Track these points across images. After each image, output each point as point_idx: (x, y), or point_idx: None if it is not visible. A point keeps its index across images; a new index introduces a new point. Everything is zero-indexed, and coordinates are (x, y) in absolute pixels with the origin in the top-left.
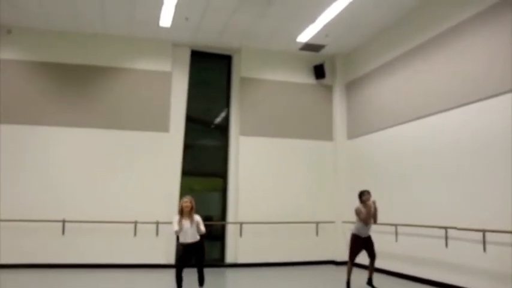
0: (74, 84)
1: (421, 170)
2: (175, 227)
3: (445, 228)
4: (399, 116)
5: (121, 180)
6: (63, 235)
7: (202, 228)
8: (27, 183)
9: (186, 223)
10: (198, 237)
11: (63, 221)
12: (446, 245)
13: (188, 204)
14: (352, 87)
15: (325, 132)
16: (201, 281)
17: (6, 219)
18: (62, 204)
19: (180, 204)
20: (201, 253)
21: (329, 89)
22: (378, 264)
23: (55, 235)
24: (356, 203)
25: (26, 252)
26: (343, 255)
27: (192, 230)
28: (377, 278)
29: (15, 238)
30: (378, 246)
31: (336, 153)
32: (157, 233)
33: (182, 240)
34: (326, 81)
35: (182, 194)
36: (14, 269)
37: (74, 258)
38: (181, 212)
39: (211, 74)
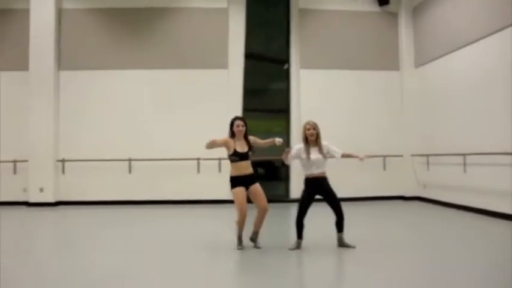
0: (131, 28)
1: (488, 93)
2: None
3: None
4: (468, 35)
5: (182, 118)
6: (130, 173)
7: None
8: (94, 126)
9: (314, 152)
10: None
11: (129, 160)
12: None
13: (312, 131)
14: (419, 11)
15: (391, 62)
16: (339, 224)
17: (76, 159)
18: (128, 144)
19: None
20: (330, 190)
21: (394, 16)
22: (446, 197)
23: (122, 173)
24: (426, 133)
25: (95, 190)
26: (413, 189)
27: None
28: (445, 211)
29: (85, 177)
30: (445, 178)
31: (402, 82)
32: (220, 169)
33: (307, 171)
34: (390, 7)
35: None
36: (84, 205)
37: (141, 195)
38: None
39: (269, 8)
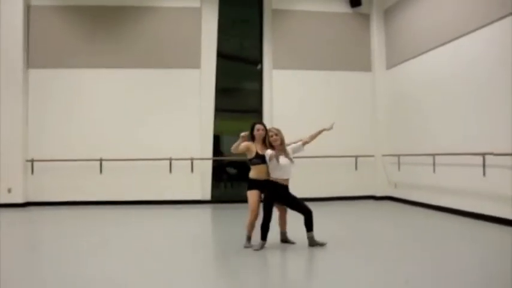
0: (103, 26)
1: (458, 95)
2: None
3: (483, 154)
4: (438, 37)
5: (155, 117)
6: (101, 173)
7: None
8: (64, 125)
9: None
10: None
11: (101, 160)
12: (484, 173)
13: (275, 137)
14: (390, 13)
15: (362, 63)
16: (308, 223)
17: (46, 159)
18: (99, 144)
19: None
20: (292, 197)
21: (366, 17)
22: (416, 196)
23: (93, 174)
24: (397, 133)
25: (65, 191)
26: (383, 189)
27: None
28: (415, 210)
29: (55, 177)
30: (415, 178)
31: (374, 83)
32: (192, 170)
33: (275, 176)
34: (362, 9)
35: (216, 130)
36: (53, 206)
37: (112, 196)
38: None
39: (242, 8)
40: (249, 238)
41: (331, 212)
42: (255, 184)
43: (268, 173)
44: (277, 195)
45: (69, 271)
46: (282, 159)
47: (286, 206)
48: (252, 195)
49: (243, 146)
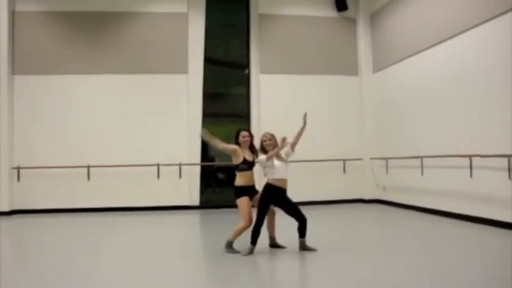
0: (89, 32)
1: (445, 97)
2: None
3: (469, 156)
4: (424, 41)
5: (142, 123)
6: (89, 180)
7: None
8: (51, 132)
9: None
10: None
11: (88, 167)
12: (471, 175)
13: (269, 142)
14: (376, 17)
15: (349, 67)
16: (302, 230)
17: (32, 166)
18: (86, 151)
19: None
20: (290, 202)
21: (352, 21)
22: (405, 199)
23: (80, 180)
24: (384, 136)
25: (52, 198)
26: (372, 192)
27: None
28: (404, 213)
29: (42, 184)
30: (403, 181)
31: (361, 87)
32: (180, 175)
33: (272, 176)
34: (349, 13)
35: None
36: (40, 214)
37: (100, 203)
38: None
39: (229, 13)
40: (231, 244)
41: (320, 215)
42: (244, 191)
43: (253, 178)
44: (274, 199)
45: (54, 279)
46: (276, 161)
47: (283, 210)
48: (244, 202)
49: (230, 148)
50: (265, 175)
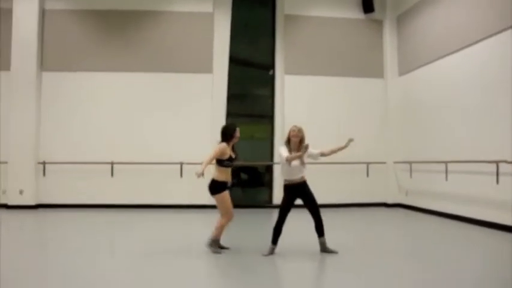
0: (116, 30)
1: (472, 102)
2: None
3: (496, 162)
4: (452, 44)
5: (166, 122)
6: (112, 177)
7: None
8: (76, 128)
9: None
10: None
11: (112, 163)
12: (497, 181)
13: (297, 133)
14: (403, 19)
15: (375, 69)
16: (319, 229)
17: (57, 161)
18: (110, 147)
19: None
20: (310, 194)
21: (379, 23)
22: (428, 204)
23: (104, 177)
24: (409, 140)
25: (76, 193)
26: (395, 196)
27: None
28: (426, 218)
29: (66, 180)
30: (427, 185)
31: (386, 90)
32: (203, 174)
33: (288, 177)
34: (375, 15)
35: None
36: (64, 208)
37: (122, 199)
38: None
39: (255, 14)
40: (217, 241)
41: (342, 218)
42: (225, 186)
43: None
44: (298, 193)
45: (74, 272)
46: (294, 162)
47: (304, 201)
48: (226, 197)
49: (218, 153)
50: (281, 173)
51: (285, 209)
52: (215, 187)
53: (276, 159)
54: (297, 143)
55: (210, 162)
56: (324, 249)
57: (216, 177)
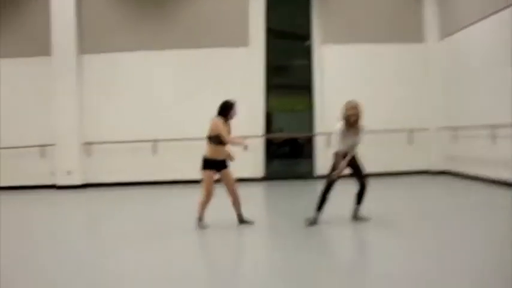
0: (152, 9)
1: None
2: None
3: None
4: (498, 1)
5: (205, 97)
6: (155, 154)
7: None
8: (118, 108)
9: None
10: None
11: (154, 141)
12: None
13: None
14: None
15: (414, 34)
16: (360, 196)
17: (101, 141)
18: (152, 125)
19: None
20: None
21: None
22: (474, 170)
23: (147, 154)
24: (453, 105)
25: (120, 172)
26: (439, 163)
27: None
28: (473, 185)
29: (110, 159)
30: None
31: (427, 54)
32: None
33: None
34: None
35: (268, 107)
36: (110, 187)
37: (166, 175)
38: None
39: None
40: (200, 219)
41: (384, 188)
42: (211, 164)
43: (225, 154)
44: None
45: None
46: (351, 139)
47: (353, 173)
48: (208, 175)
49: (215, 128)
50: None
51: (333, 179)
52: (202, 163)
53: (316, 130)
54: (353, 122)
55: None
56: (355, 215)
57: (206, 153)
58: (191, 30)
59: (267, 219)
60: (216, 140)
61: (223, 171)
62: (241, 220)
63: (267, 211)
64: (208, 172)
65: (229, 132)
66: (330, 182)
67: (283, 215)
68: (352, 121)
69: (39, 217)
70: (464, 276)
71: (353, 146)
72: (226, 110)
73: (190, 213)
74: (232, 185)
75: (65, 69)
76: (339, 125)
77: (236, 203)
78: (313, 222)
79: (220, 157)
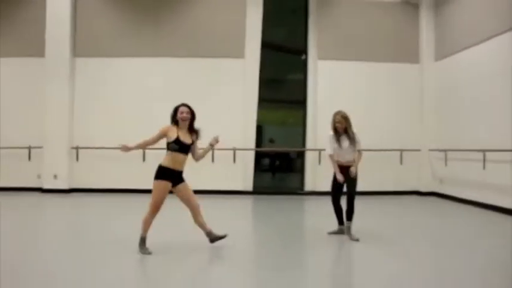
0: (147, 15)
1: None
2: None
3: None
4: (493, 27)
5: (197, 107)
6: (144, 162)
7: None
8: (109, 113)
9: (344, 140)
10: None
11: (144, 148)
12: None
13: (341, 119)
14: (441, 3)
15: (410, 54)
16: (349, 213)
17: (90, 146)
18: (142, 132)
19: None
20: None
21: (415, 7)
22: (463, 193)
23: (136, 162)
24: (445, 127)
25: (109, 178)
26: (429, 185)
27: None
28: (461, 207)
29: (99, 164)
30: (463, 174)
31: (422, 76)
32: (234, 160)
33: (339, 159)
34: None
35: (259, 120)
36: (98, 193)
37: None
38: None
39: None
40: (144, 240)
41: (373, 207)
42: (167, 174)
43: (184, 163)
44: (345, 175)
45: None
46: (345, 143)
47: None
48: (162, 188)
49: (156, 136)
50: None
51: (335, 188)
52: (156, 172)
53: (307, 145)
54: (342, 129)
55: (145, 144)
56: (348, 231)
57: (162, 161)
58: (186, 39)
59: (252, 235)
60: (170, 145)
61: (179, 185)
62: (213, 238)
63: (253, 226)
64: (160, 182)
65: (191, 138)
66: (335, 190)
67: (269, 231)
68: (339, 129)
69: (20, 220)
70: None
71: (350, 154)
72: (172, 115)
73: (177, 225)
74: (193, 200)
75: (58, 72)
76: (330, 132)
77: (200, 220)
78: (338, 232)
79: (176, 167)
